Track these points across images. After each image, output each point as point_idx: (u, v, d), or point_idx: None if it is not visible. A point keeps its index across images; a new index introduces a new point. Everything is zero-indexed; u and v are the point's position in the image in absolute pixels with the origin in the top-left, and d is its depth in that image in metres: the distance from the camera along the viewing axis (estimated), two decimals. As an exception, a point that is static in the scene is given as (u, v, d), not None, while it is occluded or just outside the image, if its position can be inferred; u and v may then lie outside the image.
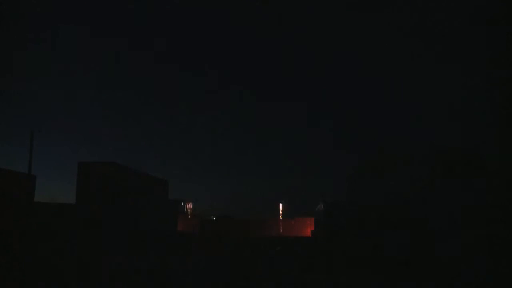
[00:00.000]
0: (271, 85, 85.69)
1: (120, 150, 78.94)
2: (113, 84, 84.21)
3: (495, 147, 20.54)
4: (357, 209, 27.58)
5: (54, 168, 73.18)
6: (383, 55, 69.86)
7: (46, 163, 71.06)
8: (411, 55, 63.41)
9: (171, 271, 11.60)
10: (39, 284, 9.07)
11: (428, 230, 20.83)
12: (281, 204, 54.52)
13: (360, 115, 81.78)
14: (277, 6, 75.33)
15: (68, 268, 11.75)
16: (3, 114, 67.81)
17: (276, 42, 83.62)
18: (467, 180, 20.31)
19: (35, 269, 11.52)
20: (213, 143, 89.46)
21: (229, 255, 17.25)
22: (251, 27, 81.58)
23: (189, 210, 54.99)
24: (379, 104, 77.52)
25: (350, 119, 79.53)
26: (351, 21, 70.66)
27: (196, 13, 79.12)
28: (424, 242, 20.23)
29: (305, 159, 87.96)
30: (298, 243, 26.88)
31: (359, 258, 16.26)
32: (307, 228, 44.88)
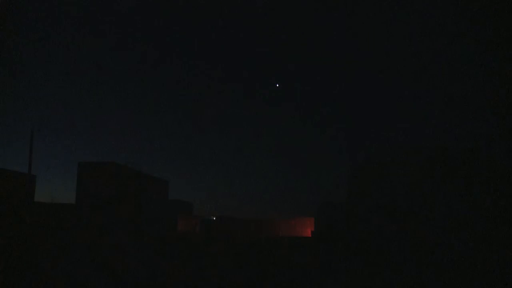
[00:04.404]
0: (270, 84, 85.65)
1: (120, 150, 78.98)
2: (113, 84, 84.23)
3: (496, 146, 20.52)
4: (357, 209, 27.58)
5: (54, 168, 73.24)
6: (383, 54, 69.86)
7: (46, 163, 71.11)
8: (410, 54, 63.44)
9: (171, 271, 11.59)
10: (39, 285, 9.07)
11: (428, 230, 20.83)
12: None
13: (360, 115, 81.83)
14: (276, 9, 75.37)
15: (68, 268, 11.74)
16: (3, 114, 67.79)
17: (276, 41, 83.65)
18: (467, 180, 20.31)
19: (35, 269, 11.51)
20: (213, 143, 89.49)
21: (230, 255, 17.24)
22: (251, 27, 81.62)
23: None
24: (380, 103, 77.52)
25: (350, 119, 79.57)
26: (351, 19, 70.73)
27: (196, 12, 79.15)
28: (424, 242, 20.23)
29: (305, 159, 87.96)
30: (297, 243, 26.88)
31: (359, 258, 16.26)
32: (307, 228, 44.93)
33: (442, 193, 20.76)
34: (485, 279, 11.16)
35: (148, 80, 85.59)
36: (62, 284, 9.18)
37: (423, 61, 58.42)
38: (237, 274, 11.23)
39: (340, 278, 11.01)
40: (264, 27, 79.92)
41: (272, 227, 48.13)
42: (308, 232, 43.99)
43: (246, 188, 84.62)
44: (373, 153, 29.33)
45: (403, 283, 10.43)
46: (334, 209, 33.15)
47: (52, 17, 73.19)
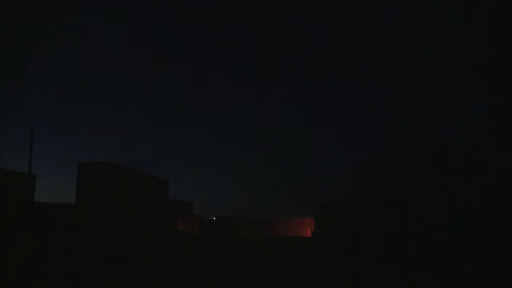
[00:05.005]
0: (271, 85, 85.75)
1: (120, 150, 79.08)
2: (113, 84, 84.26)
3: (496, 145, 20.54)
4: (357, 209, 27.58)
5: (54, 168, 73.25)
6: (382, 53, 69.87)
7: (46, 163, 71.16)
8: (410, 53, 63.43)
9: (172, 271, 11.60)
10: (39, 285, 9.07)
11: (428, 230, 20.83)
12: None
13: (360, 115, 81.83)
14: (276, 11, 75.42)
15: (68, 268, 11.74)
16: (3, 114, 67.88)
17: (275, 39, 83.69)
18: (468, 180, 20.31)
19: (35, 269, 11.51)
20: (213, 143, 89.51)
21: (230, 255, 17.24)
22: (250, 26, 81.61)
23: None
24: (380, 103, 77.49)
25: (350, 119, 79.58)
26: (350, 19, 70.70)
27: (196, 12, 79.16)
28: (424, 242, 20.23)
29: (305, 159, 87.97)
30: (297, 243, 26.88)
31: (359, 258, 16.26)
32: (307, 228, 44.91)
33: (442, 193, 20.77)
34: (485, 280, 11.17)
35: (148, 80, 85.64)
36: (63, 284, 9.18)
37: (424, 61, 58.41)
38: (237, 274, 11.23)
39: (340, 278, 11.01)
40: (265, 26, 79.97)
41: (272, 227, 48.08)
42: (308, 232, 43.96)
43: (246, 188, 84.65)
44: (373, 153, 29.33)
45: (403, 283, 10.44)
46: (334, 209, 33.11)
47: (52, 17, 73.19)
